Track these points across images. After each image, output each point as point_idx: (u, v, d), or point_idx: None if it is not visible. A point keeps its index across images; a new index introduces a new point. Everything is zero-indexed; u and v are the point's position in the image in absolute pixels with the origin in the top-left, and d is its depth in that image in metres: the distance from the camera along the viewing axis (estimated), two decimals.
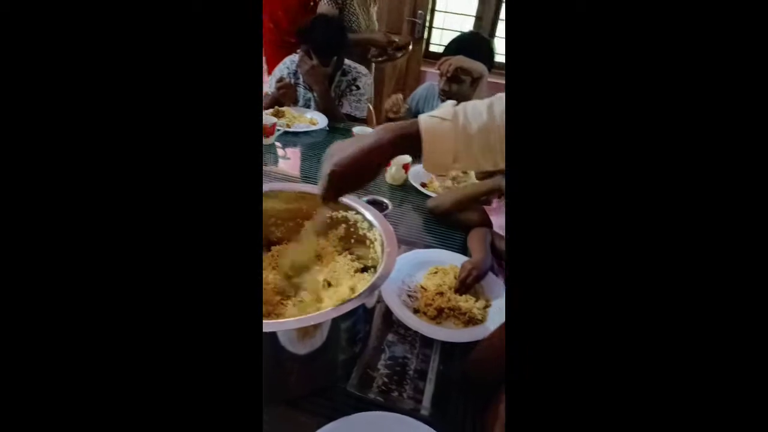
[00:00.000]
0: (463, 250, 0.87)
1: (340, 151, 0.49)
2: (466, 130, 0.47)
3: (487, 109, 0.47)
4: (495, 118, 0.47)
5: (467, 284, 0.72)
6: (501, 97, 0.48)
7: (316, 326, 0.47)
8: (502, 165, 0.50)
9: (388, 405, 0.55)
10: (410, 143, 0.48)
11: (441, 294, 0.71)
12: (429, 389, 0.58)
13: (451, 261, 0.78)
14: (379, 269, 0.53)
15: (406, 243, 0.88)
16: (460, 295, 0.72)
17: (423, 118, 0.49)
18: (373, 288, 0.50)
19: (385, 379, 0.59)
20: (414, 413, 0.54)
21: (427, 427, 0.50)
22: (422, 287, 0.73)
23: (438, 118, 0.48)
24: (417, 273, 0.77)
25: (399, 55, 1.72)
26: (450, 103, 0.50)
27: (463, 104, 0.49)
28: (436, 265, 0.78)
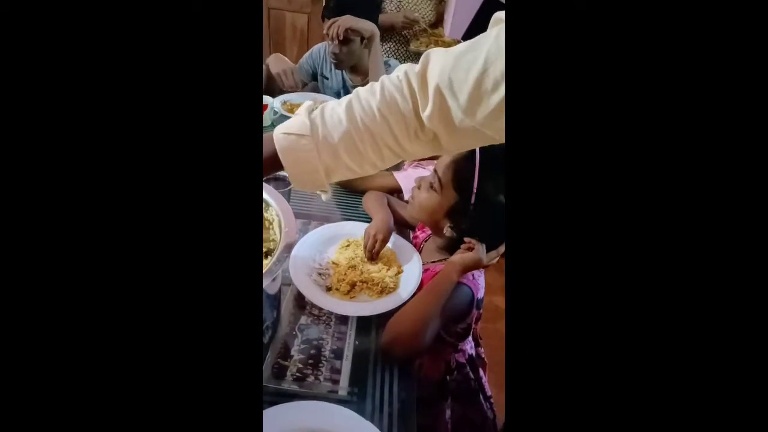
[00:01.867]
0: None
1: None
2: (327, 140, 0.41)
3: (346, 112, 0.42)
4: (356, 121, 0.42)
5: (375, 251, 0.71)
6: (358, 91, 0.44)
7: None
8: (381, 166, 0.45)
9: (304, 392, 0.52)
10: (271, 166, 0.43)
11: (353, 267, 0.68)
12: (346, 367, 0.56)
13: (362, 232, 0.76)
14: (277, 252, 0.48)
15: (318, 219, 0.84)
16: (373, 263, 0.70)
17: (278, 138, 0.42)
18: (269, 273, 0.45)
19: (300, 365, 0.56)
20: (331, 395, 0.52)
21: (342, 408, 0.48)
22: (334, 263, 0.70)
23: (294, 135, 0.42)
24: (328, 248, 0.73)
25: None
26: (304, 108, 0.44)
27: (319, 109, 0.44)
28: (347, 238, 0.75)
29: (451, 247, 0.71)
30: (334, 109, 0.43)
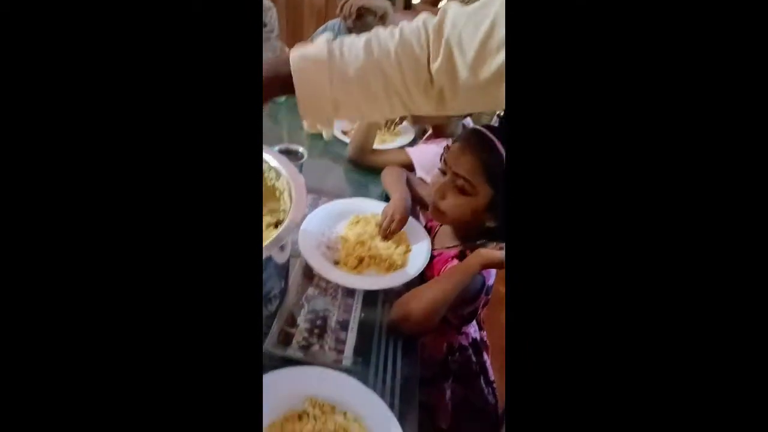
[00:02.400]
0: (386, 198, 0.85)
1: None
2: (342, 72, 0.40)
3: (365, 47, 0.41)
4: (373, 60, 0.40)
5: (391, 231, 0.70)
6: (378, 31, 0.42)
7: None
8: (388, 114, 0.44)
9: (308, 360, 0.53)
10: (283, 87, 0.42)
11: (362, 243, 0.68)
12: (351, 338, 0.57)
13: (372, 209, 0.76)
14: (286, 220, 0.48)
15: (329, 194, 0.84)
16: (387, 241, 0.70)
17: (294, 59, 0.41)
18: (277, 240, 0.45)
19: (306, 334, 0.56)
20: (336, 365, 0.53)
21: (346, 376, 0.48)
22: (343, 238, 0.70)
23: (311, 59, 0.41)
24: (338, 224, 0.73)
25: None
26: (324, 37, 0.43)
27: (339, 40, 0.42)
28: (356, 214, 0.75)
29: (477, 234, 0.70)
30: (354, 43, 0.42)
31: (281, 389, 0.46)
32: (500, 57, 0.35)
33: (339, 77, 0.41)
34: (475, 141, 0.65)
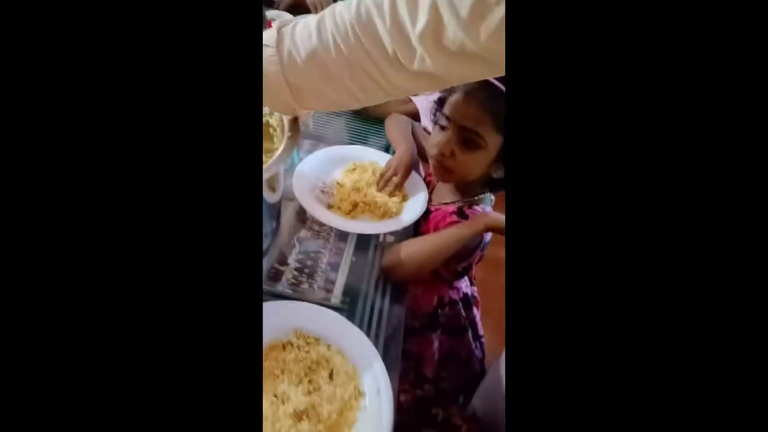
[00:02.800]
0: (387, 148, 0.83)
1: None
2: (293, 56, 0.37)
3: (317, 27, 0.36)
4: (326, 38, 0.36)
5: (393, 184, 0.68)
6: (335, 5, 0.37)
7: None
8: (365, 100, 0.39)
9: (297, 296, 0.54)
10: None
11: (357, 190, 0.67)
12: (341, 280, 0.57)
13: (371, 158, 0.74)
14: (276, 153, 0.47)
15: (328, 142, 0.82)
16: (386, 193, 0.68)
17: None
18: (267, 170, 0.44)
19: (296, 273, 0.57)
20: (324, 302, 0.53)
21: (333, 312, 0.49)
22: (338, 183, 0.69)
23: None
24: (334, 169, 0.72)
25: None
26: (277, 21, 0.39)
27: (291, 24, 0.39)
28: (354, 161, 0.73)
29: (478, 188, 0.68)
30: (307, 22, 0.38)
31: (268, 320, 0.46)
32: (500, 10, 0.29)
33: (290, 61, 0.37)
34: (478, 89, 0.62)
